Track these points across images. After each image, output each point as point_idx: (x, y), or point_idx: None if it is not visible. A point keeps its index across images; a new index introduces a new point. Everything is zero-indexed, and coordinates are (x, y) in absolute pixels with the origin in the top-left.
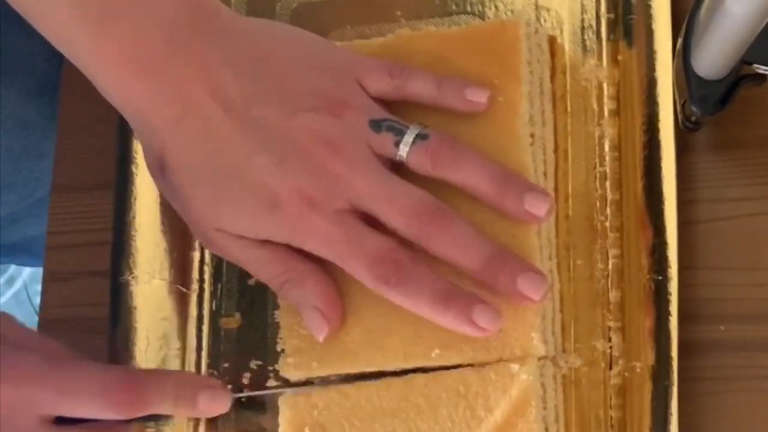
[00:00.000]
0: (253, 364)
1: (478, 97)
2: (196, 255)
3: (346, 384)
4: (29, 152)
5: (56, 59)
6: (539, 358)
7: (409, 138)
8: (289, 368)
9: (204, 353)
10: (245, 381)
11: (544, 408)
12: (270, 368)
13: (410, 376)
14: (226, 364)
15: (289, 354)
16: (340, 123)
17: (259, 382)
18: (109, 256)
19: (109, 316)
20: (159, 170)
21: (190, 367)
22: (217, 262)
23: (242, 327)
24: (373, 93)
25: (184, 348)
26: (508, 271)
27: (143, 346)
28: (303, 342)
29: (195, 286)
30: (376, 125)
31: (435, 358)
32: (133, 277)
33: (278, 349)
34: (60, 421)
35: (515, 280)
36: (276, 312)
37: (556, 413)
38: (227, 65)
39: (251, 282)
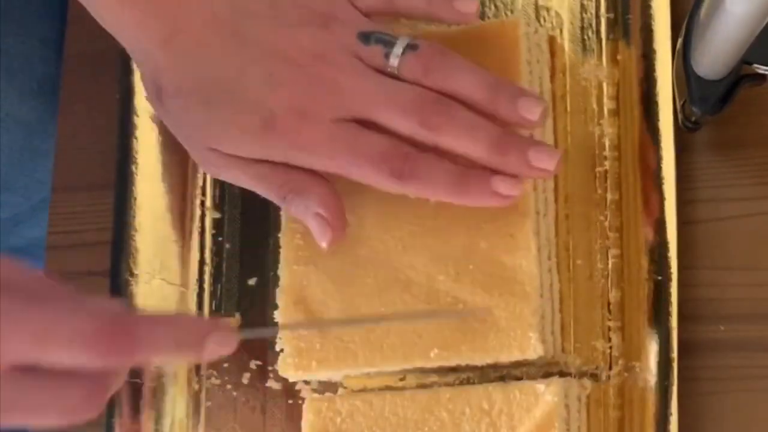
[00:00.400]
0: (253, 364)
1: (467, 7)
2: (196, 255)
3: (372, 393)
4: (29, 152)
5: (55, 58)
6: (561, 375)
7: (398, 49)
8: (288, 368)
9: None
10: (245, 381)
11: (568, 430)
12: (270, 368)
13: (435, 389)
14: (225, 364)
15: (289, 354)
16: (329, 35)
17: (258, 382)
18: (109, 256)
19: None
20: (156, 95)
21: (189, 368)
22: (217, 262)
23: (242, 327)
24: (364, 8)
25: None
26: (517, 147)
27: None
28: (302, 342)
29: (195, 286)
30: (365, 37)
31: (434, 358)
32: (133, 277)
33: (277, 349)
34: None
35: (527, 154)
36: (276, 312)
37: None
38: None
39: (251, 282)
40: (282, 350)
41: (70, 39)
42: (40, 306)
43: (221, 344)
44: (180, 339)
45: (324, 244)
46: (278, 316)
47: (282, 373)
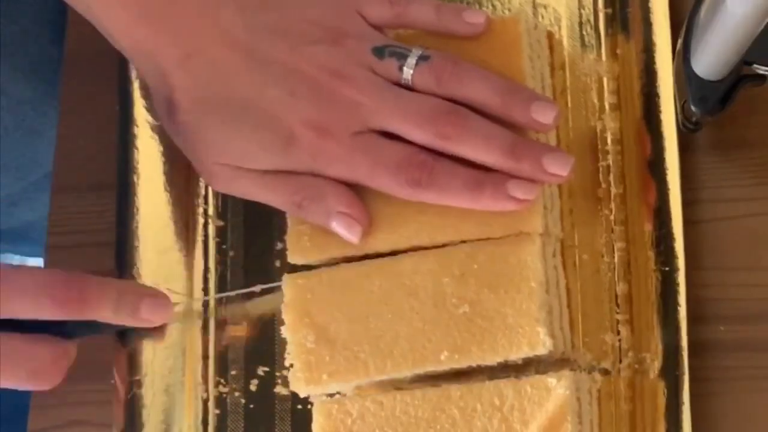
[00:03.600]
0: (261, 370)
1: (476, 18)
2: (200, 264)
3: (381, 393)
4: (23, 130)
5: (50, 37)
6: (569, 368)
7: (412, 60)
8: (299, 383)
9: (211, 361)
10: (253, 388)
11: (580, 423)
12: (278, 374)
13: (445, 386)
14: (233, 372)
15: (298, 369)
16: (344, 51)
17: (266, 388)
18: (110, 257)
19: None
20: (167, 112)
21: (197, 376)
22: (222, 271)
23: (249, 334)
24: (374, 21)
25: (191, 356)
26: (531, 153)
27: (149, 357)
28: (311, 355)
29: (200, 294)
30: (379, 51)
31: (444, 360)
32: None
33: (287, 364)
34: None
35: (541, 160)
36: (282, 328)
37: (591, 428)
38: (230, 1)
39: (256, 288)
40: (291, 365)
41: (70, 39)
42: None
43: (154, 312)
44: (122, 299)
45: (355, 239)
46: (285, 331)
47: (293, 388)
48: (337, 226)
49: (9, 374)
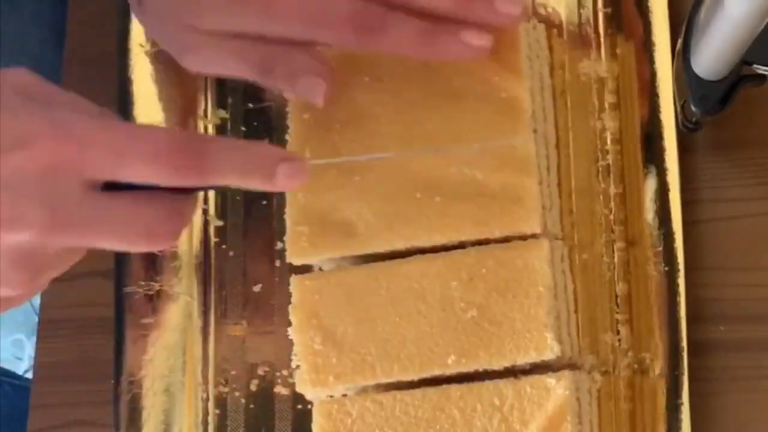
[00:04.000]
0: (260, 371)
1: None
2: (200, 264)
3: (381, 393)
4: None
5: (49, 37)
6: (569, 368)
7: None
8: (306, 384)
9: (211, 361)
10: (253, 388)
11: (580, 423)
12: (278, 374)
13: (445, 386)
14: (233, 372)
15: (305, 371)
16: None
17: (266, 388)
18: (110, 257)
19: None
20: (137, 2)
21: (197, 376)
22: (222, 270)
23: (248, 334)
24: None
25: (191, 356)
26: None
27: (149, 357)
28: (318, 357)
29: (200, 294)
30: None
31: (451, 365)
32: (137, 285)
33: (293, 366)
34: (108, 188)
35: (492, 1)
36: (289, 329)
37: (591, 428)
38: None
39: (256, 289)
40: (298, 367)
41: (70, 39)
42: (114, 124)
43: (291, 176)
44: (252, 164)
45: (319, 99)
46: (292, 333)
47: (300, 389)
48: (303, 87)
49: (122, 236)
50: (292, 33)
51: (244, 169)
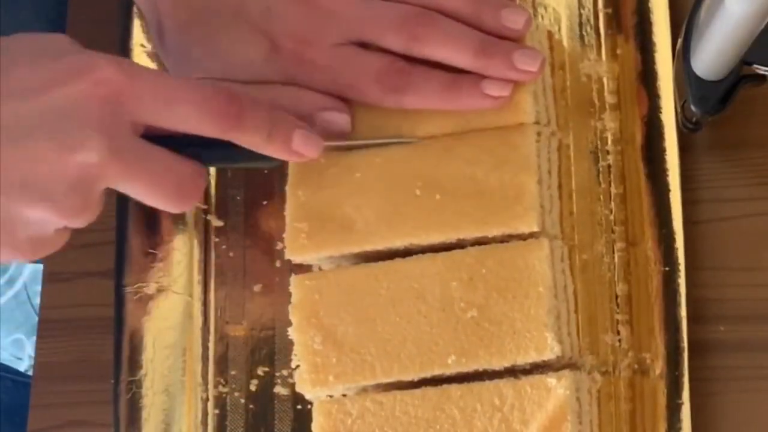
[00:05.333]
0: (260, 371)
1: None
2: (200, 263)
3: (381, 393)
4: None
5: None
6: (570, 368)
7: None
8: (306, 384)
9: (211, 361)
10: (252, 388)
11: (580, 423)
12: (278, 374)
13: (445, 386)
14: (233, 372)
15: (305, 370)
16: None
17: (266, 388)
18: (110, 256)
19: (114, 326)
20: (157, 36)
21: (197, 376)
22: (222, 270)
23: (248, 334)
24: None
25: (191, 356)
26: (501, 51)
27: (149, 357)
28: (318, 357)
29: (200, 294)
30: None
31: (451, 364)
32: (137, 285)
33: (293, 365)
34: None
35: (511, 56)
36: (289, 329)
37: (591, 428)
38: None
39: (256, 288)
40: (298, 366)
41: (70, 36)
42: (156, 73)
43: (306, 143)
44: (275, 124)
45: (348, 127)
46: (292, 332)
47: (299, 389)
48: (326, 120)
49: (158, 187)
50: (322, 89)
51: (270, 130)
